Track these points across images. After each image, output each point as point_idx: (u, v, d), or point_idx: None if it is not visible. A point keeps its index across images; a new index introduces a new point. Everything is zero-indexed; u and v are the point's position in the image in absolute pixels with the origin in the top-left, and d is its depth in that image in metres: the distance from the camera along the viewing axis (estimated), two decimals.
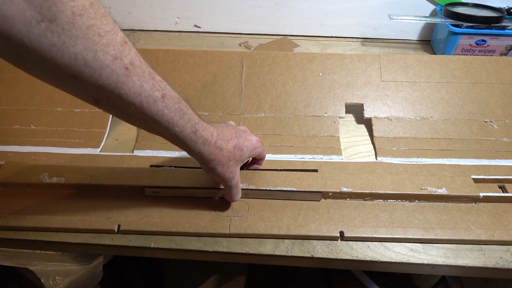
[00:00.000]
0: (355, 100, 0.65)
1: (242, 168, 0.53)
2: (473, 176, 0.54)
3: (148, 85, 0.36)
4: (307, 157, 0.59)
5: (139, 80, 0.35)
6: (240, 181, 0.49)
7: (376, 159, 0.59)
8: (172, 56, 0.68)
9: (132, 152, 0.60)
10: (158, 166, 0.57)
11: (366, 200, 0.52)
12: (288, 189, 0.51)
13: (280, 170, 0.55)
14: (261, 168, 0.56)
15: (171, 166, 0.56)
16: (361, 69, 0.67)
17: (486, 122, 0.63)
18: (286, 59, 0.68)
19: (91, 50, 0.32)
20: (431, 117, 0.63)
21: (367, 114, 0.64)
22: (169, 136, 0.41)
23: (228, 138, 0.45)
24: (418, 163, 0.58)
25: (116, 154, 0.58)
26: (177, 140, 0.41)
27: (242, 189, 0.51)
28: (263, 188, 0.51)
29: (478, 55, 0.80)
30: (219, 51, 0.69)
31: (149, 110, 0.37)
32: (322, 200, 0.52)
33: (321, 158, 0.59)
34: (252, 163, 0.55)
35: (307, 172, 0.54)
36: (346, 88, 0.66)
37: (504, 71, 0.66)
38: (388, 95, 0.65)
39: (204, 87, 0.66)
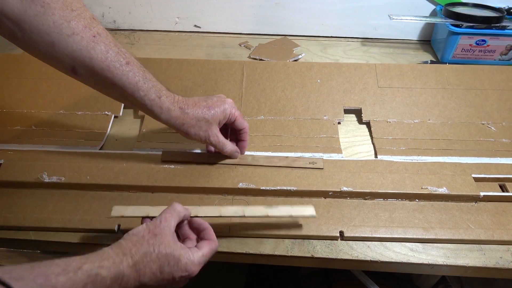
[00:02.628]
0: (353, 105, 0.66)
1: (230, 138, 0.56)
2: (473, 175, 0.54)
3: (114, 52, 0.43)
4: (307, 155, 0.59)
5: (105, 47, 0.42)
6: (223, 138, 0.51)
7: (376, 157, 0.59)
8: (175, 64, 0.71)
9: (132, 150, 0.60)
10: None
11: (366, 199, 0.52)
12: (288, 188, 0.51)
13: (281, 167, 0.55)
14: (260, 164, 0.56)
15: (170, 166, 0.56)
16: (358, 76, 0.69)
17: (483, 124, 0.63)
18: (285, 68, 0.70)
19: (66, 19, 0.40)
20: (429, 120, 0.64)
21: (365, 117, 0.65)
22: (136, 102, 0.45)
23: (193, 103, 0.49)
24: (418, 161, 0.58)
25: (116, 152, 0.58)
26: (144, 106, 0.46)
27: (241, 188, 0.51)
28: (264, 188, 0.51)
29: (478, 55, 0.80)
30: (220, 60, 0.72)
31: (115, 73, 0.43)
32: (322, 199, 0.52)
33: (321, 156, 0.59)
34: (236, 137, 0.56)
35: (307, 170, 0.54)
36: (344, 94, 0.67)
37: (496, 78, 0.68)
38: (385, 100, 0.66)
39: (205, 92, 0.68)
